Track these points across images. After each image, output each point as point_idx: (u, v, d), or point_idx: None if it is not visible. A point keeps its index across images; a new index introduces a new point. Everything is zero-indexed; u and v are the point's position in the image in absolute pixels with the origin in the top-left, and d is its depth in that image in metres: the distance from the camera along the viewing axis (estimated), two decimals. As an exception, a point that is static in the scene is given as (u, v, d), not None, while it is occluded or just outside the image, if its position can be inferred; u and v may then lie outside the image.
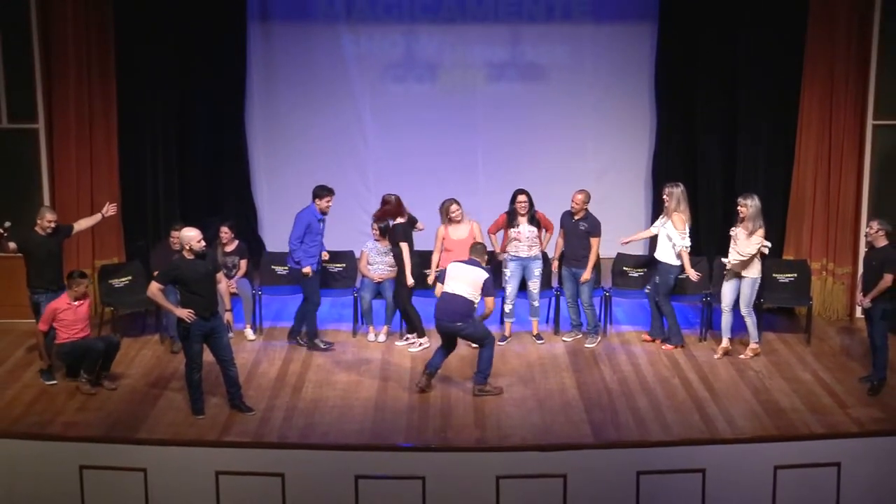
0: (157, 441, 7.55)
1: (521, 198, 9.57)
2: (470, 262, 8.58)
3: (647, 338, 9.82)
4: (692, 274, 9.44)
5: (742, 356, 9.35)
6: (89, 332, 8.76)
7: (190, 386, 8.07)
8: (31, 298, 8.88)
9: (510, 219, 9.66)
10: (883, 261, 8.46)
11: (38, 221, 8.96)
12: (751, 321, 9.33)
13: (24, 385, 8.73)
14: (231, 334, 8.84)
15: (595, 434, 7.80)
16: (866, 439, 7.67)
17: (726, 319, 9.40)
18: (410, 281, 9.41)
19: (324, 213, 9.44)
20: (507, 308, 9.79)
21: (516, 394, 8.57)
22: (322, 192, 9.42)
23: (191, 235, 7.98)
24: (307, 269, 9.38)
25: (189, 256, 7.98)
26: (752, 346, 9.40)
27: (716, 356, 9.37)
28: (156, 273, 8.41)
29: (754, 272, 9.21)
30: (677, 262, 9.50)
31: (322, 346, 9.58)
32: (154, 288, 7.97)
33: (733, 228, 9.29)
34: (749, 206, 9.13)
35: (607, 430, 7.86)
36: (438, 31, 11.78)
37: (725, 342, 9.42)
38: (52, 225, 8.94)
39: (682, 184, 9.59)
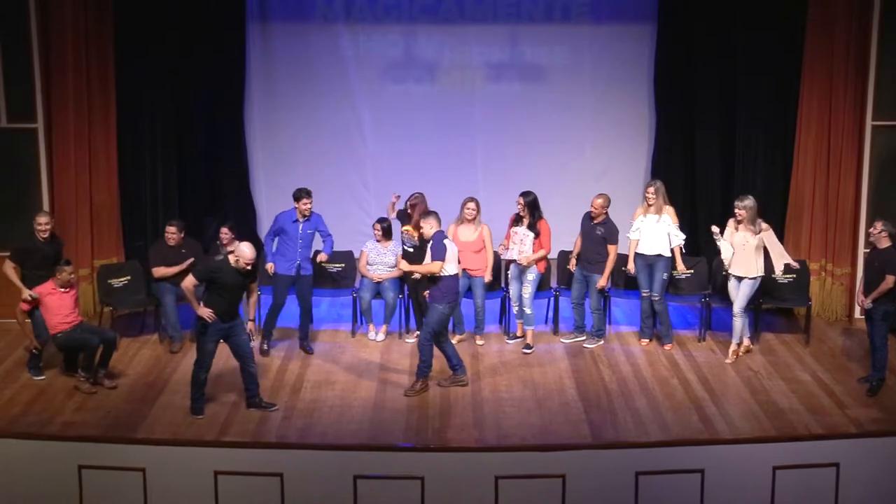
0: (156, 441, 7.56)
1: (518, 199, 9.53)
2: (441, 236, 8.58)
3: (646, 341, 9.81)
4: (684, 268, 9.53)
5: (728, 359, 9.34)
6: (76, 321, 8.71)
7: (194, 384, 8.06)
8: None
9: (516, 219, 9.66)
10: (885, 262, 8.45)
11: (34, 225, 8.95)
12: (741, 322, 9.31)
13: (22, 385, 8.72)
14: (252, 342, 8.74)
15: (594, 434, 7.80)
16: (865, 440, 7.67)
17: (747, 321, 9.38)
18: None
19: (304, 215, 9.36)
20: (515, 309, 9.80)
21: (515, 394, 8.57)
22: (298, 194, 9.38)
23: (246, 253, 7.90)
24: (269, 265, 9.43)
25: (233, 265, 7.97)
26: (734, 346, 9.38)
27: (728, 360, 9.30)
28: (195, 268, 8.50)
29: (755, 271, 9.21)
30: (670, 256, 9.54)
31: (265, 347, 9.52)
32: (189, 282, 7.99)
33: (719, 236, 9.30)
34: (748, 207, 9.13)
35: (606, 431, 7.86)
36: (437, 32, 11.80)
37: (734, 346, 9.39)
38: (42, 228, 8.88)
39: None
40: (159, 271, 9.57)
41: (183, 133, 11.19)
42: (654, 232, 9.51)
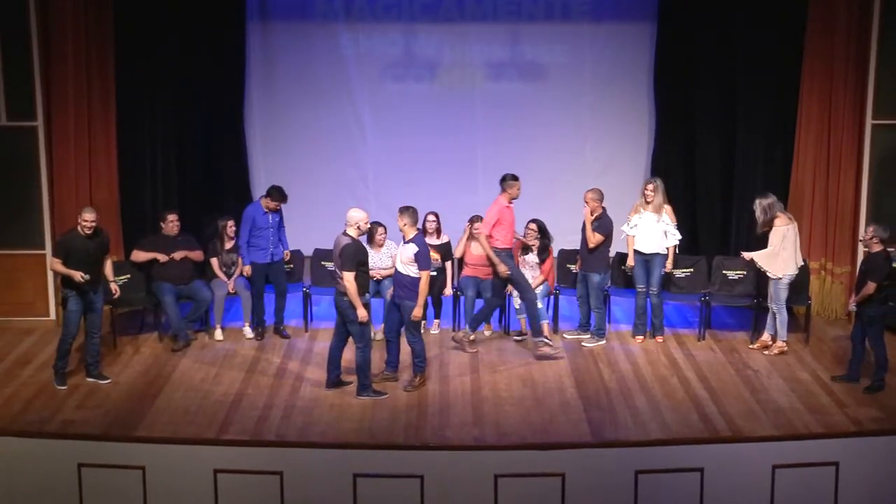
0: (156, 439, 7.57)
1: (530, 225, 9.77)
2: (423, 240, 8.65)
3: (640, 338, 9.83)
4: (671, 267, 9.65)
5: (767, 352, 9.43)
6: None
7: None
8: (62, 292, 8.78)
9: (523, 246, 9.86)
10: (869, 268, 8.51)
11: (79, 220, 8.73)
12: (780, 318, 9.37)
13: (22, 383, 8.72)
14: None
15: (593, 433, 7.80)
16: (864, 439, 7.68)
17: (780, 319, 9.43)
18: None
19: (269, 209, 9.73)
20: (517, 304, 9.82)
21: (515, 393, 8.57)
22: (270, 192, 9.73)
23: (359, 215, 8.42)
24: (247, 268, 9.76)
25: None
26: (780, 343, 9.43)
27: (767, 352, 9.42)
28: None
29: (778, 270, 9.25)
30: (667, 253, 9.58)
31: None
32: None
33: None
34: (757, 205, 9.30)
35: (606, 429, 7.86)
36: (437, 31, 11.79)
37: (766, 337, 9.51)
38: (88, 224, 8.61)
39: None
40: (139, 255, 9.73)
41: (183, 133, 11.20)
42: (653, 230, 9.53)
